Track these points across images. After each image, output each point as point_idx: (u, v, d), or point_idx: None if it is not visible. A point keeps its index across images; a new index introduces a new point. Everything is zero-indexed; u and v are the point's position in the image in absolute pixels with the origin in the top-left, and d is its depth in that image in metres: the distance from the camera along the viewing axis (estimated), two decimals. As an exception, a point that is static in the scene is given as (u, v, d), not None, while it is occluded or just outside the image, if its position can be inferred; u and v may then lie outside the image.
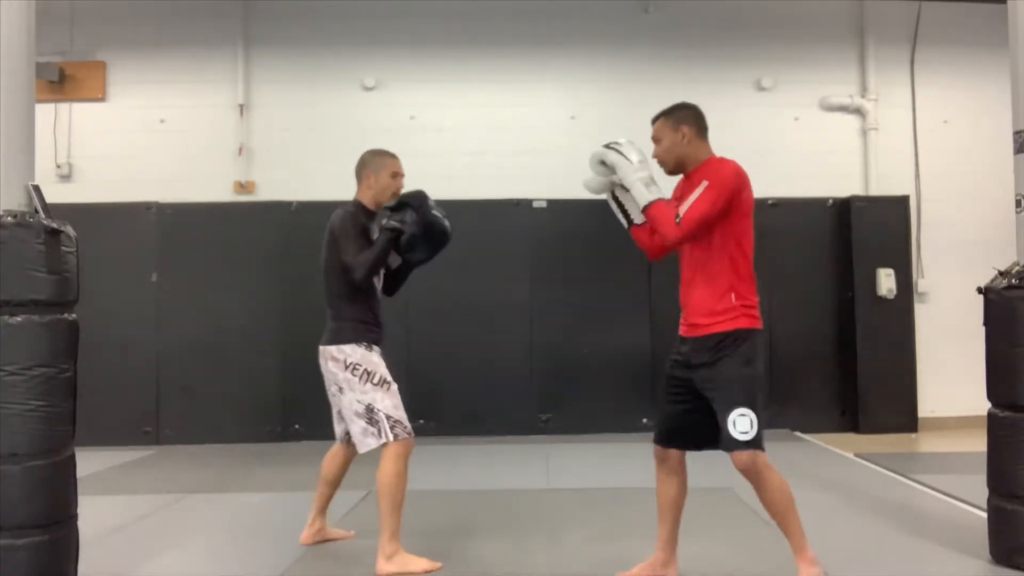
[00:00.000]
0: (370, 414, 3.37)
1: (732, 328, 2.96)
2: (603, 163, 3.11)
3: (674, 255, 3.20)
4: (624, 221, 3.29)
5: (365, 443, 3.39)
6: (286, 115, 7.61)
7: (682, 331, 3.13)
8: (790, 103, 7.76)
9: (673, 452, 3.15)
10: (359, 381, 3.39)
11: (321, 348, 3.50)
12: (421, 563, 3.35)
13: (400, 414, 3.41)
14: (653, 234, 3.20)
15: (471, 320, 7.21)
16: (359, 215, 3.53)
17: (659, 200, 2.99)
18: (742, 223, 3.01)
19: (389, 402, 3.40)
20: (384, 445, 3.35)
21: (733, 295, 2.98)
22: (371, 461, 3.81)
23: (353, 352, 3.42)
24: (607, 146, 3.11)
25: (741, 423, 2.88)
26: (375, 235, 3.54)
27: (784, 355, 7.39)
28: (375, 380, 3.40)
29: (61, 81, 7.39)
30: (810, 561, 2.96)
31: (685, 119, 3.12)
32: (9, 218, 2.77)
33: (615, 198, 3.26)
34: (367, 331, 3.48)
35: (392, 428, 3.36)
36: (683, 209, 2.95)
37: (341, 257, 3.41)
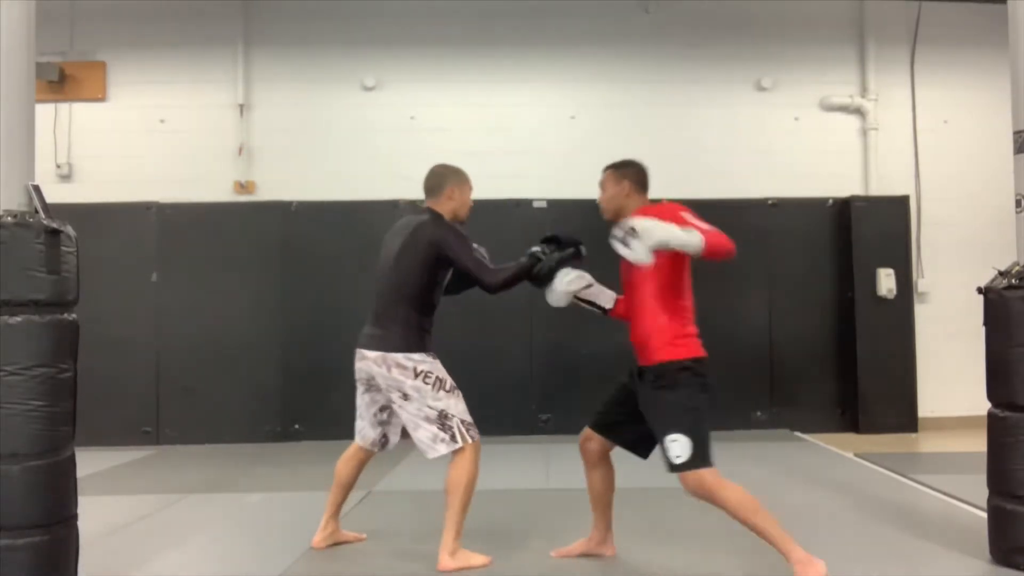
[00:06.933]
0: (443, 420, 3.40)
1: (671, 358, 3.13)
2: (634, 228, 2.97)
3: None
4: (600, 312, 3.51)
5: (435, 449, 3.41)
6: (286, 115, 7.61)
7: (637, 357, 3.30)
8: (790, 103, 7.76)
9: (597, 441, 3.42)
10: (432, 388, 3.41)
11: (379, 354, 3.43)
12: (479, 558, 3.46)
13: (469, 417, 3.47)
14: (628, 305, 3.36)
15: (471, 320, 7.20)
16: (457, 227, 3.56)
17: (710, 230, 2.99)
18: (683, 258, 3.14)
19: (461, 407, 3.47)
20: (458, 449, 3.41)
21: (674, 323, 3.17)
22: (375, 463, 3.83)
23: (423, 360, 3.43)
24: (624, 233, 2.99)
25: (674, 448, 3.04)
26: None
27: (784, 355, 7.40)
28: (447, 387, 3.44)
29: (61, 81, 7.39)
30: (804, 561, 2.97)
31: (628, 175, 3.41)
32: (9, 218, 2.78)
33: (580, 299, 3.50)
34: (430, 340, 3.51)
35: (468, 431, 3.43)
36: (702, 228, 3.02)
37: (470, 266, 3.44)
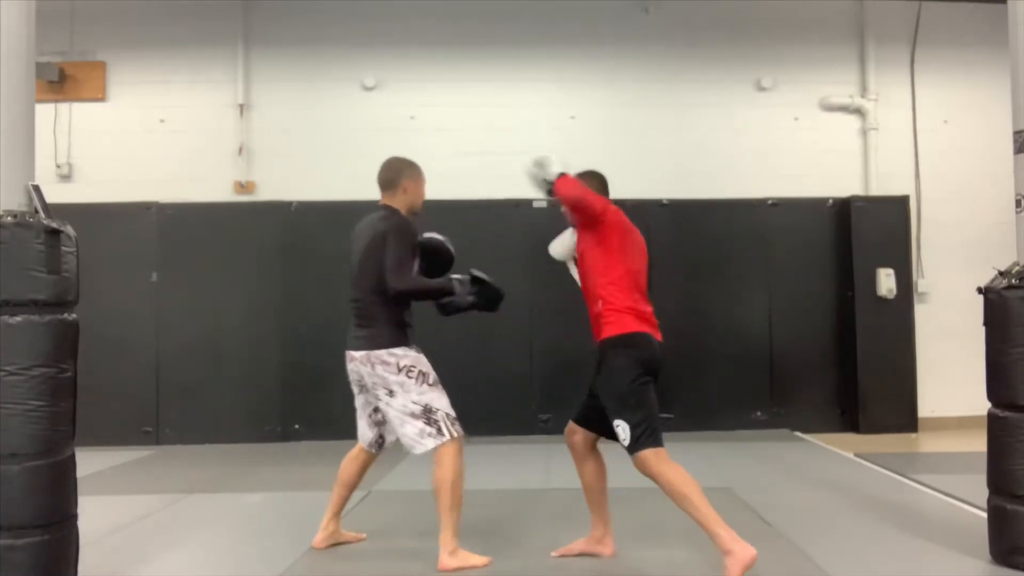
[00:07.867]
0: (428, 414, 3.40)
1: (606, 335, 3.31)
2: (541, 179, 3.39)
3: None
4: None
5: (422, 444, 3.40)
6: (286, 115, 7.61)
7: None
8: (790, 103, 7.76)
9: (580, 434, 3.49)
10: (415, 383, 3.41)
11: (363, 353, 3.45)
12: (479, 559, 3.44)
13: (453, 412, 3.47)
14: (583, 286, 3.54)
15: (471, 320, 7.18)
16: (410, 223, 3.56)
17: (578, 185, 3.33)
18: (606, 233, 3.32)
19: (444, 401, 3.46)
20: (443, 444, 3.38)
21: (601, 302, 3.32)
22: (375, 463, 3.83)
23: (405, 354, 3.44)
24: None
25: (621, 433, 3.18)
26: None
27: (784, 355, 7.40)
28: (430, 381, 3.45)
29: (61, 81, 7.39)
30: (729, 552, 3.00)
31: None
32: (9, 218, 2.78)
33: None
34: (410, 333, 3.51)
35: (453, 425, 3.42)
36: None
37: (389, 261, 3.39)
